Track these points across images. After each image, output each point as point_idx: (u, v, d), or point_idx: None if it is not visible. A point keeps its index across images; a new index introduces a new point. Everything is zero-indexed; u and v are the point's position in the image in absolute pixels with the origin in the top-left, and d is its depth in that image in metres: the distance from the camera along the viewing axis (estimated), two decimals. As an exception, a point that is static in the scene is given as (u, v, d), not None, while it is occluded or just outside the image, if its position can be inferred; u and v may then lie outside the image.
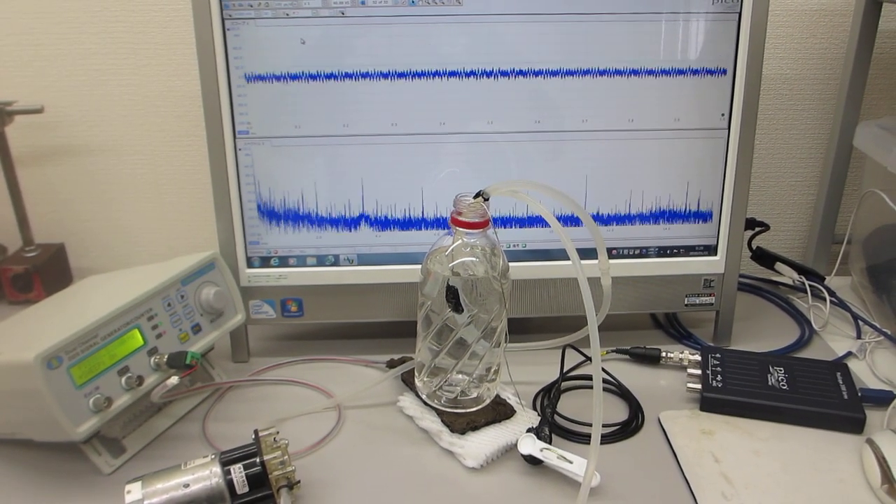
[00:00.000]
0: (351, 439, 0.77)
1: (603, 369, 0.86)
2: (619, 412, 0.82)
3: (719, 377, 0.83)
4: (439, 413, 0.77)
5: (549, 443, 0.73)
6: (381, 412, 0.81)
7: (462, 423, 0.75)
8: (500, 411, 0.77)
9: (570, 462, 0.69)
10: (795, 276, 1.05)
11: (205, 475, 0.63)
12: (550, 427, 0.74)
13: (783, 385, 0.81)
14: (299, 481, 0.67)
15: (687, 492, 0.70)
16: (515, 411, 0.78)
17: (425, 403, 0.78)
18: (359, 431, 0.78)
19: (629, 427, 0.79)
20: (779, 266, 1.06)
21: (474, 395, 0.77)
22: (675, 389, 0.85)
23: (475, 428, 0.75)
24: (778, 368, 0.84)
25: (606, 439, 0.77)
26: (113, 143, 1.12)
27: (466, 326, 0.73)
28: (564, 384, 0.85)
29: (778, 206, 1.18)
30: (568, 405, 0.81)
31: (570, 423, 0.79)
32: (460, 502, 0.69)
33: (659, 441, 0.77)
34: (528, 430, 0.73)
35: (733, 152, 0.86)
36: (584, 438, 0.77)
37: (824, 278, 1.06)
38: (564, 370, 0.84)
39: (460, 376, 0.76)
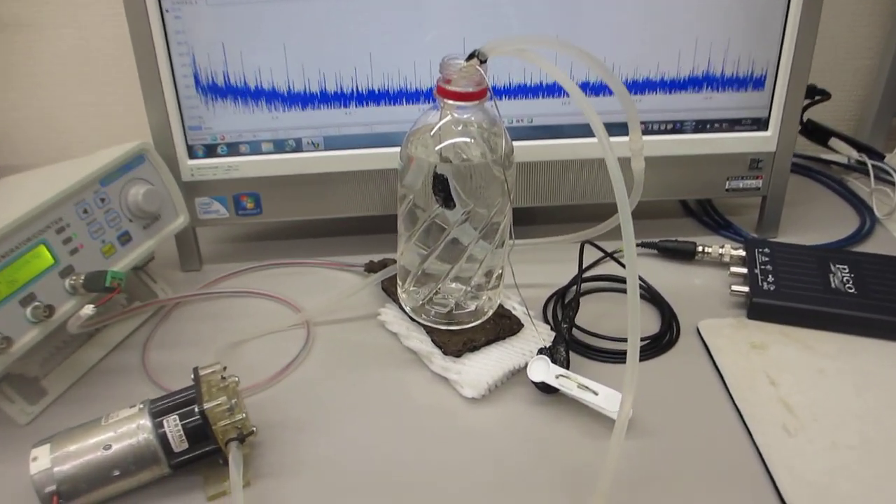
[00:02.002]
0: (322, 363, 0.63)
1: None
2: (649, 322, 0.67)
3: (770, 277, 0.68)
4: (429, 331, 0.63)
5: (567, 367, 0.59)
6: (359, 328, 0.67)
7: (457, 344, 0.61)
8: (503, 326, 0.63)
9: (596, 393, 0.56)
10: (854, 153, 0.88)
11: (130, 430, 0.50)
12: (567, 346, 0.60)
13: (849, 287, 0.66)
14: (254, 431, 0.53)
15: (739, 424, 0.57)
16: (522, 325, 0.64)
17: (412, 318, 0.64)
18: (332, 353, 0.64)
19: (661, 341, 0.65)
20: (833, 142, 0.89)
21: (472, 307, 0.62)
22: (714, 292, 0.71)
23: (474, 349, 0.61)
24: (841, 267, 0.69)
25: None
26: (32, 17, 0.92)
27: (461, 225, 0.58)
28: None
29: (830, 72, 0.99)
30: (584, 312, 0.66)
31: (590, 337, 0.64)
32: (455, 440, 0.56)
33: (699, 358, 0.63)
34: (541, 351, 0.59)
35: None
36: (608, 357, 0.63)
37: (884, 156, 0.90)
38: (580, 271, 0.69)
39: (455, 285, 0.61)
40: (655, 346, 0.64)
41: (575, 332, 0.64)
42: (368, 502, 0.51)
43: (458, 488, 0.52)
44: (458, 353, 0.60)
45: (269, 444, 0.56)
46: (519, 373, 0.60)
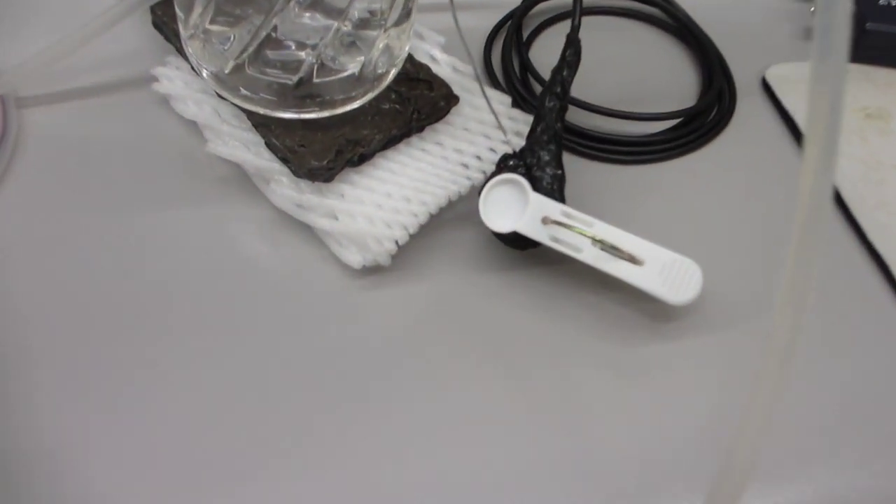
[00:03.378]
0: (41, 190, 0.30)
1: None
2: (679, 79, 0.37)
3: (887, -18, 0.37)
4: (262, 124, 0.29)
5: (561, 197, 0.28)
6: (117, 111, 0.33)
7: (324, 152, 0.28)
8: (419, 103, 0.30)
9: (636, 261, 0.26)
10: None
11: None
12: (559, 149, 0.28)
13: None
14: None
15: (874, 276, 0.30)
16: (457, 98, 0.31)
17: (220, 97, 0.30)
18: (61, 167, 0.31)
19: (705, 115, 0.35)
20: None
21: (352, 68, 0.28)
22: (785, 12, 0.40)
23: (360, 160, 0.29)
24: None
25: (658, 149, 0.34)
26: None
27: None
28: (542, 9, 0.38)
29: None
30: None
31: (585, 114, 0.33)
32: (330, 355, 0.26)
33: (776, 142, 0.35)
34: (504, 164, 0.28)
35: None
36: (622, 152, 0.33)
37: None
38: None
39: (311, 20, 0.27)
40: (695, 124, 0.34)
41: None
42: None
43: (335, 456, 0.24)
44: (326, 174, 0.28)
45: None
46: (457, 206, 0.29)
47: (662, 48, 0.38)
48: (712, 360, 0.27)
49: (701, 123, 0.34)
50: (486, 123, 0.30)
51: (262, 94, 0.28)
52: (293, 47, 0.27)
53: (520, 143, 0.29)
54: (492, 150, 0.30)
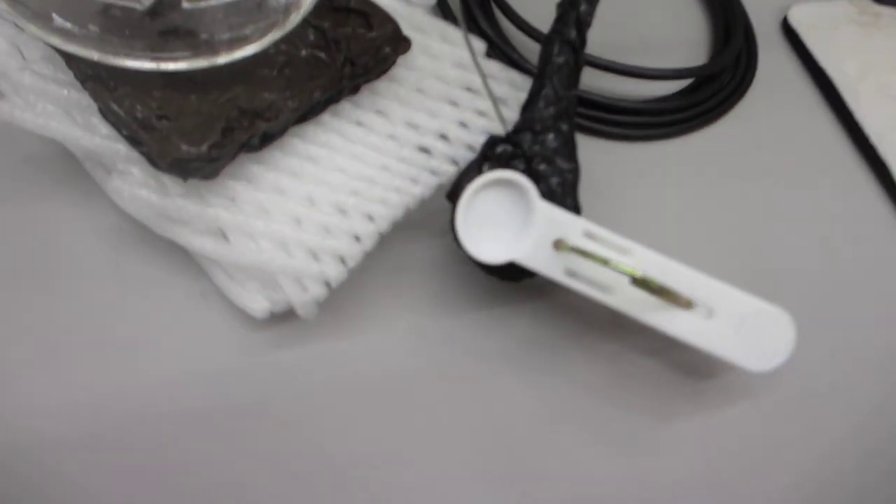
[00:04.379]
0: None
1: None
2: (682, 20, 0.28)
3: None
4: (90, 80, 0.18)
5: (575, 205, 0.18)
6: None
7: (203, 131, 0.17)
8: (355, 48, 0.19)
9: (701, 312, 0.17)
10: None
11: None
12: (571, 125, 0.19)
13: None
14: None
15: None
16: (408, 42, 0.21)
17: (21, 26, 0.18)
18: None
19: (722, 79, 0.26)
20: None
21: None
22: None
23: (260, 143, 0.18)
24: None
25: (670, 120, 0.25)
26: None
27: None
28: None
29: None
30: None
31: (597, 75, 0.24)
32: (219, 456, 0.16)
33: (803, 101, 0.27)
34: (494, 149, 0.18)
35: None
36: (615, 123, 0.24)
37: None
38: None
39: None
40: (714, 91, 0.26)
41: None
42: None
43: None
44: (207, 168, 0.17)
45: None
46: (414, 212, 0.19)
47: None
48: (776, 434, 0.19)
49: (719, 86, 0.26)
50: (450, 82, 0.20)
51: (91, 27, 0.17)
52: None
53: (510, 117, 0.19)
54: (463, 124, 0.20)
